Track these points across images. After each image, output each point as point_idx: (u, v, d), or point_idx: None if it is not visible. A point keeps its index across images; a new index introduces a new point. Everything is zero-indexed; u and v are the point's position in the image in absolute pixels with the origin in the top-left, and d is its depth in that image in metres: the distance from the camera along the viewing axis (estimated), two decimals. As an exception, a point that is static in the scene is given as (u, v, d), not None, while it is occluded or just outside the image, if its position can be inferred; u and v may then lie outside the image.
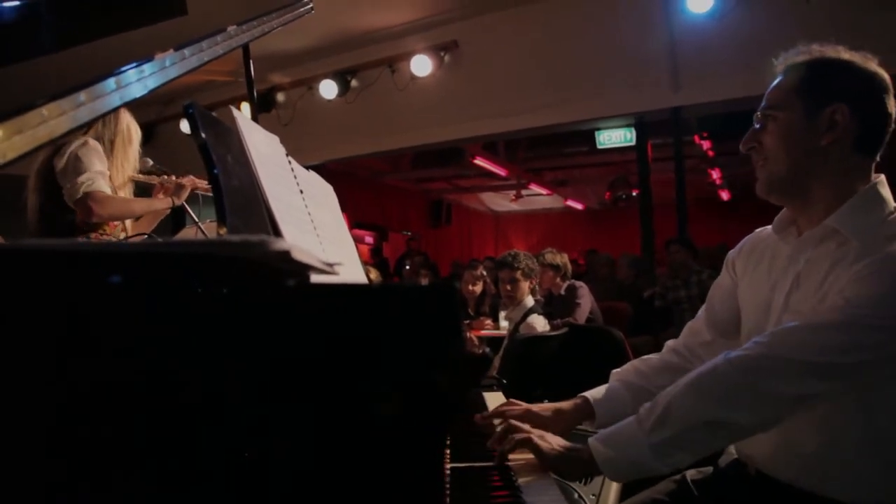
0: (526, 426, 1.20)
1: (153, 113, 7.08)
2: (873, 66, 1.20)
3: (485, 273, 5.68)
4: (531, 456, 1.16)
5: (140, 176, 2.64)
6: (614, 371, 1.50)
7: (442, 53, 6.32)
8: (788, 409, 1.08)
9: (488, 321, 5.16)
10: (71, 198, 2.33)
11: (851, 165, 1.20)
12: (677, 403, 1.07)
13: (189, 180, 2.59)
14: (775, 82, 1.27)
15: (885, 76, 1.20)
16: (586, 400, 1.41)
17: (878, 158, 1.23)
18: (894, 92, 1.21)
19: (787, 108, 1.22)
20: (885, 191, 1.20)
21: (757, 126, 1.27)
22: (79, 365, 0.57)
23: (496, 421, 1.34)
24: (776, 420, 1.09)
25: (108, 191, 2.39)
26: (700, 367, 1.13)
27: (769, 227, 1.37)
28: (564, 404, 1.40)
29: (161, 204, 2.56)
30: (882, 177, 1.22)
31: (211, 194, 2.82)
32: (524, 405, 1.38)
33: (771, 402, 1.06)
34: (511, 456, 1.21)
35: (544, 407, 1.38)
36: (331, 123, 6.97)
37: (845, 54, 1.21)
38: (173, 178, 2.61)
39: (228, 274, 0.57)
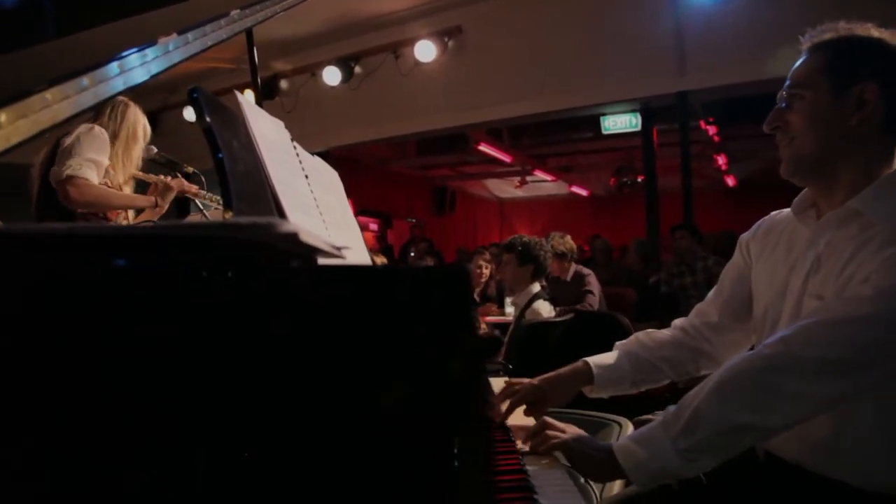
0: (560, 425, 1.21)
1: (157, 101, 7.07)
2: None
3: (490, 258, 5.68)
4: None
5: (140, 174, 2.64)
6: (618, 342, 1.52)
7: (446, 39, 6.29)
8: (816, 410, 1.07)
9: (494, 307, 5.16)
10: (55, 178, 2.33)
11: (877, 147, 1.18)
12: (704, 408, 1.06)
13: (177, 183, 2.59)
14: (801, 60, 1.24)
15: None
16: (587, 364, 1.44)
17: None
18: None
19: (814, 86, 1.20)
20: None
21: (782, 105, 1.25)
22: (82, 349, 0.57)
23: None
24: (805, 420, 1.07)
25: (95, 179, 2.38)
26: (724, 368, 1.11)
27: (785, 210, 1.36)
28: (563, 370, 1.45)
29: (142, 202, 2.56)
30: None
31: (198, 198, 2.81)
32: (525, 382, 1.43)
33: (798, 403, 1.04)
34: (518, 441, 1.22)
35: (544, 378, 1.43)
36: (334, 110, 6.95)
37: (875, 32, 1.18)
38: (166, 179, 2.61)
39: (237, 258, 0.57)
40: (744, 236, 1.45)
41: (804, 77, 1.22)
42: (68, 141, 2.35)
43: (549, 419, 1.23)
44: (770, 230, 1.39)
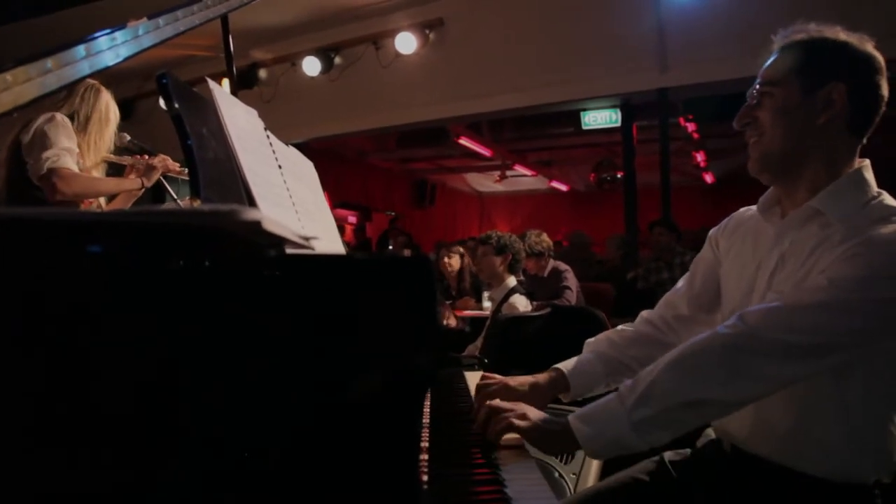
0: (504, 404, 1.20)
1: (132, 88, 6.95)
2: (870, 47, 1.20)
3: (462, 251, 5.66)
4: (513, 436, 1.16)
5: (113, 157, 2.59)
6: (588, 341, 1.52)
7: (427, 31, 6.25)
8: (768, 389, 1.10)
9: (472, 301, 5.17)
10: (35, 174, 2.27)
11: (841, 147, 1.21)
12: (659, 382, 1.08)
13: (160, 161, 2.55)
14: (772, 59, 1.26)
15: (880, 58, 1.20)
16: (561, 372, 1.43)
17: (864, 141, 1.23)
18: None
19: (784, 84, 1.22)
20: (870, 175, 1.21)
21: (753, 103, 1.27)
22: (51, 337, 0.56)
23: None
24: (755, 399, 1.11)
25: (75, 168, 2.33)
26: (682, 346, 1.14)
27: (753, 207, 1.38)
28: (540, 377, 1.43)
29: (130, 185, 2.51)
30: (867, 161, 1.23)
31: (182, 176, 2.75)
32: (499, 379, 1.40)
33: (751, 381, 1.07)
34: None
35: (520, 381, 1.40)
36: (314, 101, 6.88)
37: (843, 35, 1.21)
38: (145, 158, 2.56)
39: (207, 247, 0.55)
40: (713, 231, 1.47)
41: (775, 75, 1.24)
42: (31, 135, 2.29)
43: (493, 404, 1.20)
44: (738, 226, 1.41)
